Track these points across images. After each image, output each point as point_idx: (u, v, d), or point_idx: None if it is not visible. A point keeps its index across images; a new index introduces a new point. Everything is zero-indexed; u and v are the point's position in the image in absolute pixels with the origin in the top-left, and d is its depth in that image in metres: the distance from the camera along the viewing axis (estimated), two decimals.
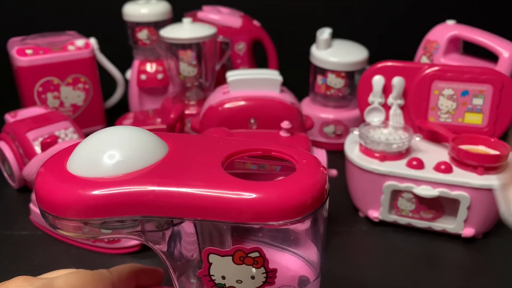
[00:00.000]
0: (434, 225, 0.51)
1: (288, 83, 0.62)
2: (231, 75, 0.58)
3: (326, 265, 0.46)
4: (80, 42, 0.73)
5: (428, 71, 0.54)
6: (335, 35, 0.72)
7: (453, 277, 0.47)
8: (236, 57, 0.83)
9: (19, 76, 0.70)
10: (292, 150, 0.27)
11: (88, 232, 0.25)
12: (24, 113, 0.63)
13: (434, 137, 0.55)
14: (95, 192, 0.23)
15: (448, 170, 0.49)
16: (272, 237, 0.29)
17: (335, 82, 0.71)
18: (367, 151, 0.52)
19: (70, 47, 0.72)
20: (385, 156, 0.51)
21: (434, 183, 0.48)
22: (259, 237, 0.28)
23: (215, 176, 0.24)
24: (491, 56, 0.63)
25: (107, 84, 0.80)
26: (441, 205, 0.50)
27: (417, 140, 0.55)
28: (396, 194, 0.51)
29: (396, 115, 0.56)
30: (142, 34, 0.77)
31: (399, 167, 0.50)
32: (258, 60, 0.86)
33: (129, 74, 0.81)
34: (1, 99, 0.87)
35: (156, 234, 0.26)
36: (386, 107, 0.56)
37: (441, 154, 0.52)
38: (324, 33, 0.71)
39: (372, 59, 0.68)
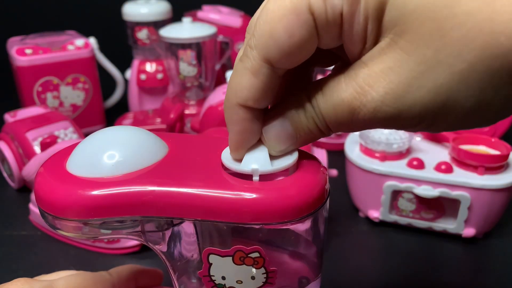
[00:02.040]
0: (435, 225, 0.51)
1: None
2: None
3: (326, 265, 0.45)
4: (80, 41, 0.73)
5: None
6: None
7: (453, 277, 0.46)
8: (236, 57, 0.83)
9: (18, 76, 0.70)
10: None
11: (88, 232, 0.24)
12: (24, 113, 0.62)
13: (434, 137, 0.55)
14: (95, 192, 0.23)
15: (448, 170, 0.48)
16: (272, 237, 0.29)
17: None
18: (367, 151, 0.52)
19: (70, 47, 0.71)
20: (385, 156, 0.51)
21: (435, 183, 0.48)
22: (259, 237, 0.27)
23: (215, 176, 0.24)
24: None
25: (106, 84, 0.80)
26: (441, 205, 0.50)
27: (417, 140, 0.55)
28: (396, 194, 0.51)
29: None
30: (142, 34, 0.77)
31: (399, 167, 0.50)
32: None
33: (128, 74, 0.81)
34: (1, 99, 0.87)
35: (156, 235, 0.26)
36: None
37: (441, 154, 0.52)
38: None
39: None
